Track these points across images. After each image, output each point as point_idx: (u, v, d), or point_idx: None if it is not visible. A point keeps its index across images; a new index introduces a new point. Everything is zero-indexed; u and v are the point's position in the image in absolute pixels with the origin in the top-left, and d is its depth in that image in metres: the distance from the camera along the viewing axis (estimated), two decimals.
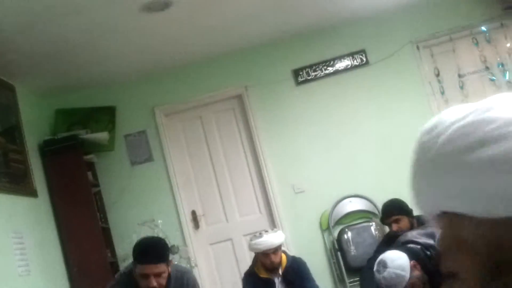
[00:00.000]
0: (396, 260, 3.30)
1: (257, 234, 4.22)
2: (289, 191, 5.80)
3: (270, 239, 4.10)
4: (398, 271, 3.24)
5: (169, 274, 3.36)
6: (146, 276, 3.23)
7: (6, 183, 4.26)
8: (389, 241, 4.36)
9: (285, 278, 4.17)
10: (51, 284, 4.60)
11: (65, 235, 5.00)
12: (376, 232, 5.58)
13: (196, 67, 5.89)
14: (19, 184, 4.49)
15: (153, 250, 3.31)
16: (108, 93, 5.85)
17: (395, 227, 4.21)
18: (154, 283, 3.22)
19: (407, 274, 3.24)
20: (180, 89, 5.92)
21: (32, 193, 4.67)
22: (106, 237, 5.42)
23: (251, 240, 4.19)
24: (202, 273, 5.74)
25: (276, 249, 4.11)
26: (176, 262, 5.34)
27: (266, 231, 4.26)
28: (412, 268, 3.29)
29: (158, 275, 3.24)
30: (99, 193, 5.62)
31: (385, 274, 3.26)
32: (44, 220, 4.84)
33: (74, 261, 4.95)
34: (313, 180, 5.78)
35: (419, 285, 3.28)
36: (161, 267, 3.25)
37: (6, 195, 4.21)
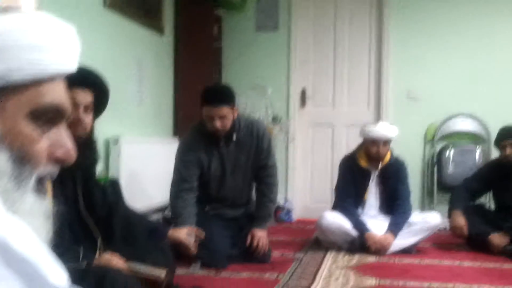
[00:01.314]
0: None
1: (373, 122, 4.22)
2: (402, 95, 5.70)
3: (385, 129, 4.08)
4: None
5: (238, 121, 3.60)
6: (211, 118, 3.47)
7: (141, 14, 4.43)
8: (497, 167, 4.26)
9: (382, 173, 4.18)
10: (158, 116, 4.88)
11: (179, 77, 5.18)
12: (480, 158, 5.44)
13: None
14: (151, 18, 4.66)
15: (217, 93, 3.54)
16: None
17: (509, 150, 4.09)
18: (218, 124, 3.47)
19: None
20: None
21: (160, 29, 4.84)
22: None
23: (365, 126, 4.18)
24: (297, 150, 5.87)
25: (387, 142, 4.09)
26: (275, 132, 5.50)
27: (383, 123, 4.24)
28: None
29: (222, 117, 3.47)
30: (219, 49, 5.76)
31: None
32: (164, 58, 5.04)
33: (182, 103, 5.17)
34: (430, 90, 5.63)
35: None
36: (224, 110, 3.46)
37: (136, 25, 4.40)
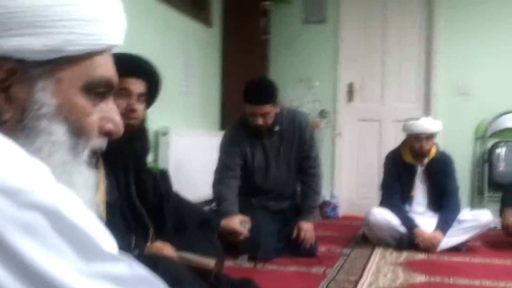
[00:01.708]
0: None
1: (416, 117, 4.16)
2: (453, 90, 5.58)
3: (428, 124, 4.00)
4: None
5: (281, 113, 3.60)
6: (253, 115, 3.50)
7: (188, 6, 4.45)
8: None
9: (428, 169, 4.11)
10: (205, 109, 4.90)
11: (227, 70, 5.20)
12: None
13: None
14: (199, 10, 4.67)
15: (259, 91, 3.51)
16: None
17: None
18: (260, 121, 3.51)
19: None
20: None
21: (208, 22, 4.85)
22: None
23: (408, 121, 4.12)
24: (343, 144, 5.82)
25: (430, 136, 4.01)
26: (322, 126, 5.47)
27: (426, 118, 4.17)
28: None
29: (264, 115, 3.50)
30: (266, 41, 5.74)
31: None
32: (212, 50, 5.06)
33: (229, 95, 5.17)
34: (481, 85, 5.50)
35: None
36: (266, 108, 3.48)
37: (185, 17, 4.42)
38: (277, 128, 3.62)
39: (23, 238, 0.59)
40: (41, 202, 0.61)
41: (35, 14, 0.73)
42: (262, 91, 3.51)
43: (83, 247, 0.63)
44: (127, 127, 2.11)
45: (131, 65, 2.15)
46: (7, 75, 0.74)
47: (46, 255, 0.60)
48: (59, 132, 0.76)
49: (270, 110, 3.49)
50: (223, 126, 5.13)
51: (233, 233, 3.31)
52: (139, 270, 0.69)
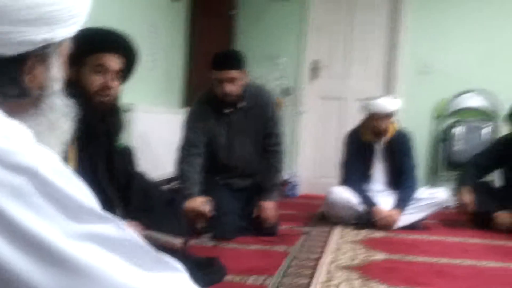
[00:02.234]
0: None
1: (374, 96, 4.21)
2: (415, 68, 5.68)
3: (385, 103, 4.06)
4: None
5: (246, 89, 3.59)
6: (220, 81, 3.49)
7: None
8: (508, 144, 4.26)
9: (387, 147, 4.19)
10: (169, 85, 4.87)
11: (193, 44, 5.15)
12: (488, 135, 5.43)
13: None
14: None
15: (227, 57, 3.57)
16: None
17: None
18: (227, 88, 3.48)
19: None
20: None
21: None
22: None
23: (366, 100, 4.18)
24: (307, 122, 5.86)
25: (387, 115, 4.07)
26: (285, 104, 5.49)
27: (384, 96, 4.23)
28: None
29: (231, 80, 3.48)
30: (233, 16, 5.71)
31: None
32: (178, 23, 5.00)
33: (195, 71, 5.14)
34: (444, 64, 5.61)
35: None
36: (234, 73, 3.48)
37: None
38: (242, 105, 3.63)
39: (10, 200, 0.62)
40: (26, 164, 0.64)
41: (71, 12, 0.83)
42: (230, 56, 3.62)
43: (69, 208, 0.65)
44: (101, 104, 2.12)
45: (108, 40, 2.12)
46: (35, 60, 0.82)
47: (34, 217, 0.63)
48: (65, 103, 0.88)
49: (238, 76, 3.50)
50: (187, 103, 5.10)
51: (196, 214, 3.32)
52: (128, 232, 0.71)
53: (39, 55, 0.81)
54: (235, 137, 3.68)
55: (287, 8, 5.82)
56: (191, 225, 3.17)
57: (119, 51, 2.16)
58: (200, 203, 3.36)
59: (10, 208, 0.62)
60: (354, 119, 5.41)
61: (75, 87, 1.92)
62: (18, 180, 0.63)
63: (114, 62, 2.13)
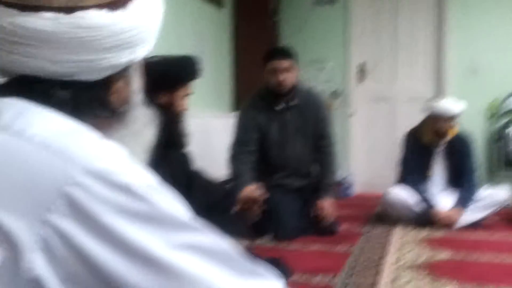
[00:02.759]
0: None
1: (437, 98, 4.13)
2: (464, 68, 5.56)
3: (449, 105, 3.97)
4: None
5: (298, 87, 3.65)
6: (275, 72, 3.53)
7: None
8: None
9: (447, 149, 4.09)
10: (217, 91, 4.89)
11: (238, 52, 5.18)
12: None
13: None
14: None
15: (281, 48, 3.81)
16: None
17: None
18: (281, 78, 3.53)
19: None
20: None
21: (219, 3, 4.83)
22: None
23: (429, 101, 4.10)
24: (356, 124, 5.81)
25: (451, 118, 3.99)
26: (335, 107, 5.46)
27: (448, 99, 4.15)
28: None
29: (285, 70, 3.54)
30: (277, 23, 5.71)
31: None
32: (223, 31, 5.03)
33: (241, 77, 5.16)
34: (493, 64, 5.48)
35: None
36: (288, 63, 3.55)
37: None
38: (294, 102, 3.64)
39: (117, 216, 0.67)
40: (125, 182, 0.68)
41: (150, 31, 0.86)
42: (283, 48, 3.82)
43: (166, 222, 0.69)
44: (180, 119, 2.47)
45: (196, 71, 2.54)
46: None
47: (138, 231, 0.67)
48: (145, 113, 0.91)
49: (291, 66, 3.56)
50: (236, 107, 5.11)
51: (249, 201, 3.28)
52: (223, 241, 0.74)
53: (124, 75, 0.85)
54: (287, 135, 3.67)
55: (330, 12, 5.79)
56: (245, 216, 3.14)
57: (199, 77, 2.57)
58: (252, 190, 3.33)
59: (118, 223, 0.66)
60: (404, 120, 5.36)
61: (167, 110, 2.39)
62: (120, 197, 0.67)
63: (190, 88, 2.55)
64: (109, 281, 0.66)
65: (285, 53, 3.62)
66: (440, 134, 4.04)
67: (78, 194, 0.66)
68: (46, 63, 0.76)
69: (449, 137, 4.08)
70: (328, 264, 2.80)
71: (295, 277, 2.49)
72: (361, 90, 5.81)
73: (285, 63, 3.54)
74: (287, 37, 5.80)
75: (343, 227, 3.76)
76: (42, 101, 0.76)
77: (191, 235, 0.70)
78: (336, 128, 5.03)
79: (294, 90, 3.63)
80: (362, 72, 5.78)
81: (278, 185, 3.68)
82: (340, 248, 3.19)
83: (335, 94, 5.66)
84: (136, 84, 0.89)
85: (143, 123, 0.91)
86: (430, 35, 5.67)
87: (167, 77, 2.36)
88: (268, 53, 3.65)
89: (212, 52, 4.78)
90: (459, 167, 4.09)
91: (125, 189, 0.67)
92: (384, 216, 4.12)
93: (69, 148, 0.69)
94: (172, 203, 0.71)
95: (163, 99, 2.40)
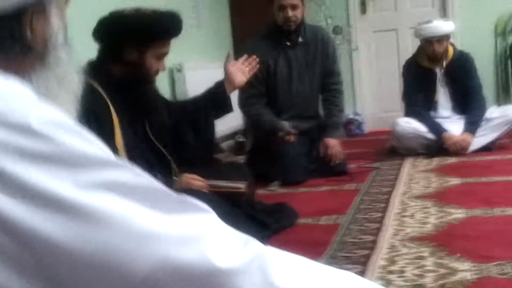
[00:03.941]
0: None
1: (426, 20, 4.03)
2: None
3: (438, 25, 3.89)
4: None
5: (303, 27, 3.58)
6: (283, 7, 3.47)
7: None
8: None
9: (448, 71, 4.01)
10: (217, 39, 4.82)
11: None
12: None
13: None
14: None
15: None
16: None
17: None
18: (290, 13, 3.46)
19: None
20: None
21: None
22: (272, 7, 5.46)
23: (418, 25, 4.01)
24: (361, 57, 5.72)
25: (442, 38, 3.89)
26: (338, 42, 5.35)
27: (436, 20, 4.04)
28: None
29: (293, 6, 3.47)
30: None
31: None
32: None
33: (240, 22, 5.08)
34: None
35: None
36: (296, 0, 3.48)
37: None
38: (300, 40, 3.59)
39: (12, 160, 0.60)
40: (22, 122, 0.61)
41: None
42: None
43: (75, 160, 0.62)
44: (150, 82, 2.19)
45: (174, 28, 2.19)
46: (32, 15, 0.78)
47: (38, 172, 0.60)
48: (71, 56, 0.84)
49: (299, 3, 3.49)
50: (236, 54, 5.04)
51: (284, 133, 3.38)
52: (145, 177, 0.67)
53: (36, 6, 0.78)
54: (294, 72, 3.61)
55: None
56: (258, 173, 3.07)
57: (177, 35, 2.23)
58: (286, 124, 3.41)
59: (13, 167, 0.60)
60: (409, 49, 5.24)
61: (138, 69, 2.12)
62: (19, 139, 0.61)
63: (168, 47, 2.20)
64: (24, 239, 0.60)
65: None
66: (435, 57, 3.97)
67: None
68: None
69: (448, 59, 3.99)
70: (336, 203, 2.79)
71: (301, 220, 2.49)
72: (363, 22, 5.68)
73: (293, 0, 3.47)
74: None
75: (354, 166, 3.70)
76: None
77: (106, 172, 0.64)
78: (341, 65, 4.96)
79: (301, 26, 3.58)
80: (363, 3, 5.63)
81: None
82: (349, 186, 3.18)
83: (336, 30, 5.55)
84: (58, 21, 0.81)
85: (70, 68, 0.84)
86: None
87: (135, 31, 2.06)
88: None
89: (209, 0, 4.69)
90: (463, 88, 4.01)
91: (25, 129, 0.61)
92: (396, 149, 4.07)
93: None
94: (83, 140, 0.65)
95: (131, 56, 2.12)
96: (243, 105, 3.57)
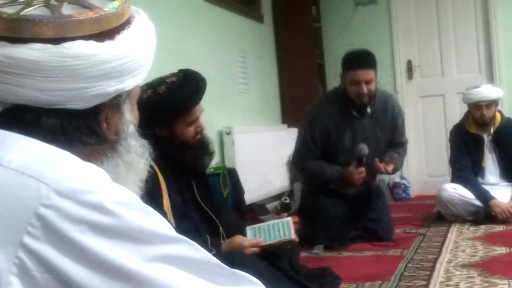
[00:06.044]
0: None
1: (475, 85, 4.06)
2: None
3: (486, 90, 3.90)
4: None
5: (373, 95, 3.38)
6: (357, 82, 3.28)
7: (238, 4, 4.50)
8: None
9: (495, 138, 4.00)
10: (265, 104, 4.94)
11: (283, 62, 5.22)
12: None
13: None
14: (249, 6, 4.72)
15: (365, 55, 3.37)
16: None
17: None
18: (365, 89, 3.28)
19: None
20: None
21: (259, 18, 4.89)
22: (320, 73, 5.60)
23: (466, 90, 4.04)
24: (408, 122, 5.69)
25: (490, 103, 3.90)
26: None
27: (485, 85, 4.07)
28: None
29: (368, 82, 3.28)
30: (319, 29, 5.74)
31: None
32: (266, 45, 5.09)
33: (288, 88, 5.21)
34: None
35: None
36: (371, 74, 3.30)
37: (235, 16, 4.48)
38: (369, 110, 3.43)
39: (87, 234, 0.68)
40: (94, 201, 0.69)
41: (139, 62, 0.87)
42: (368, 55, 3.38)
43: (140, 236, 0.70)
44: (194, 143, 2.26)
45: (195, 98, 2.22)
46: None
47: (110, 247, 0.69)
48: (140, 143, 0.94)
49: (374, 77, 3.32)
50: (284, 119, 5.16)
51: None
52: (202, 251, 0.75)
53: (113, 104, 0.87)
54: (359, 141, 3.40)
55: (372, 12, 5.75)
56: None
57: (199, 101, 2.25)
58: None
59: (90, 241, 0.68)
60: (456, 114, 5.24)
61: (173, 140, 2.19)
62: (92, 215, 0.69)
63: (199, 109, 2.25)
64: None
65: (369, 62, 3.33)
66: (483, 122, 3.97)
67: (51, 215, 0.67)
68: (34, 92, 0.79)
69: (495, 126, 3.99)
70: (380, 270, 2.79)
71: (345, 286, 2.50)
72: (410, 87, 5.73)
73: (369, 75, 3.29)
74: (330, 42, 5.80)
75: (399, 231, 3.69)
76: (31, 130, 0.79)
77: (166, 247, 0.72)
78: None
79: (374, 97, 3.41)
80: (409, 69, 5.70)
81: (333, 192, 3.54)
82: (394, 252, 3.17)
83: None
84: (130, 114, 0.91)
85: (138, 154, 0.93)
86: (476, 23, 5.53)
87: (153, 117, 2.04)
88: (349, 59, 3.37)
89: (257, 66, 4.84)
90: (511, 155, 3.98)
91: (97, 207, 0.69)
92: (442, 215, 4.03)
93: (43, 170, 0.71)
94: (148, 217, 0.73)
95: (162, 133, 2.19)
96: (298, 164, 3.53)
